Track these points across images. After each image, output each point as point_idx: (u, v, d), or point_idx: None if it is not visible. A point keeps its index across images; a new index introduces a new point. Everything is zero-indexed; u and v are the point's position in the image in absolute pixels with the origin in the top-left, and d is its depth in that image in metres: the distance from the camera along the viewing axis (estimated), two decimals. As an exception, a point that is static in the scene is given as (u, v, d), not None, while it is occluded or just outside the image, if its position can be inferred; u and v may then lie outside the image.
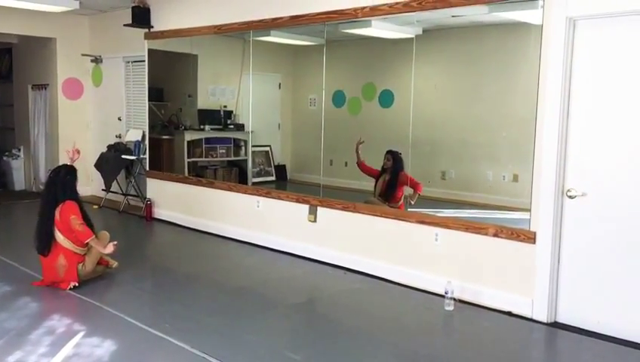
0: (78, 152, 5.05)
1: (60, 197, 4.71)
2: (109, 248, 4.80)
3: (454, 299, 4.46)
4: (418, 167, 5.41)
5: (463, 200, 5.68)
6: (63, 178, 4.78)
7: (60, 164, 5.04)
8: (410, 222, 5.00)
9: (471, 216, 5.00)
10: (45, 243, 4.70)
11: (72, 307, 4.43)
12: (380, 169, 5.89)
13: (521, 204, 4.47)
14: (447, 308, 4.42)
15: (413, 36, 5.21)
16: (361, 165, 6.04)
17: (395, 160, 5.78)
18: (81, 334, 3.81)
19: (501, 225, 4.47)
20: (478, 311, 4.45)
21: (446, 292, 4.44)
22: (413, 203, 5.38)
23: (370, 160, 6.12)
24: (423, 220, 4.92)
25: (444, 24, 5.52)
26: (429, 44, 5.51)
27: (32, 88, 9.33)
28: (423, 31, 5.30)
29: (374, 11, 5.11)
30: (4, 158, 9.73)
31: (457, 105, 6.01)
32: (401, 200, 5.58)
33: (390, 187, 5.75)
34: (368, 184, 6.09)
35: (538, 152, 4.23)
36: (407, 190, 5.44)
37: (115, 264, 5.12)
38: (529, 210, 4.30)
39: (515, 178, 5.40)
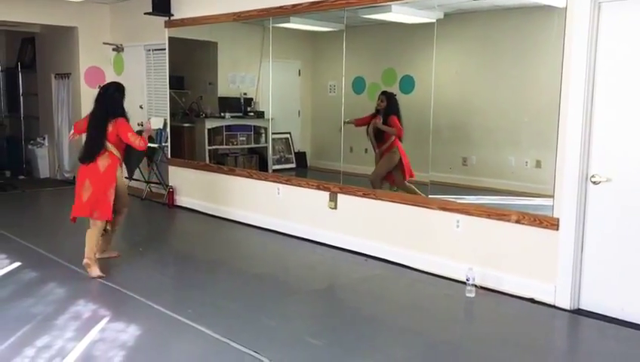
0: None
1: (110, 112, 4.87)
2: (148, 129, 5.08)
3: (476, 286, 4.44)
4: (439, 152, 5.37)
5: (484, 187, 5.62)
6: (112, 94, 4.95)
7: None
8: (431, 208, 4.97)
9: (493, 202, 4.95)
10: (94, 153, 4.84)
11: (97, 292, 4.51)
12: (370, 115, 5.95)
13: (543, 190, 4.42)
14: (468, 295, 4.41)
15: (434, 21, 5.14)
16: (355, 122, 6.00)
17: (389, 102, 5.82)
18: (106, 319, 3.88)
19: (523, 211, 4.42)
20: (500, 298, 4.43)
21: (467, 279, 4.42)
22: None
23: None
24: (444, 206, 4.89)
25: (466, 8, 5.44)
26: (450, 29, 5.44)
27: (55, 77, 9.44)
28: (444, 15, 5.23)
29: (394, -4, 5.05)
30: (29, 147, 9.89)
31: (479, 90, 5.94)
32: (390, 142, 5.77)
33: (380, 130, 5.86)
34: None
35: (561, 137, 4.17)
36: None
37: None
38: (552, 196, 4.25)
39: (538, 164, 5.33)
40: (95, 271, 4.77)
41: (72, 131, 5.26)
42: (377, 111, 5.92)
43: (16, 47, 10.46)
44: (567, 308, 4.18)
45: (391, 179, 5.90)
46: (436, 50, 5.08)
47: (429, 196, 5.07)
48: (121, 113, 4.93)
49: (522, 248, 4.43)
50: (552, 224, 4.23)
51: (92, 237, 4.85)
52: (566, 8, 4.09)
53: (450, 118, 5.75)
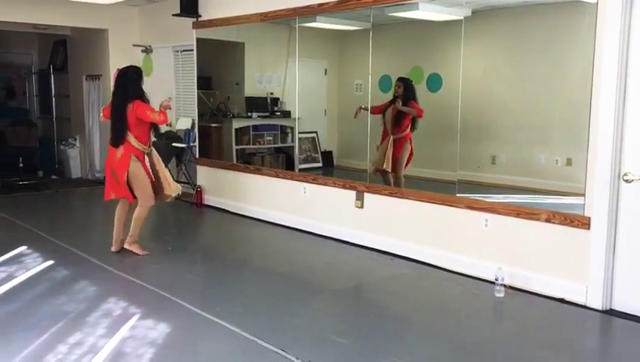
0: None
1: (129, 94, 5.07)
2: (165, 105, 5.14)
3: (505, 286, 4.39)
4: (467, 151, 5.32)
5: (513, 185, 5.55)
6: (131, 77, 5.15)
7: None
8: (458, 207, 4.93)
9: (522, 201, 4.88)
10: (120, 136, 5.11)
11: (128, 290, 4.58)
12: (387, 102, 5.98)
13: (574, 189, 4.34)
14: (497, 295, 4.36)
15: (461, 18, 5.09)
16: (372, 110, 6.00)
17: (406, 87, 5.87)
18: (136, 317, 3.94)
19: (554, 210, 4.35)
20: (530, 298, 4.37)
21: (496, 279, 4.37)
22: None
23: (417, 146, 6.06)
24: (472, 205, 4.84)
25: (495, 4, 5.37)
26: (478, 26, 5.38)
27: (86, 79, 9.62)
28: (472, 12, 5.18)
29: (421, -7, 5.02)
30: (61, 147, 10.10)
31: (508, 87, 5.86)
32: (408, 130, 5.80)
33: (399, 115, 5.88)
34: (416, 170, 6.03)
35: (593, 135, 4.10)
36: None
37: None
38: (583, 195, 4.17)
39: (569, 162, 5.24)
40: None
41: (102, 115, 5.54)
42: (395, 98, 5.96)
43: (49, 49, 10.69)
44: (599, 308, 4.10)
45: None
46: (464, 48, 5.03)
47: (457, 195, 5.02)
48: (139, 95, 5.12)
49: (552, 247, 4.36)
50: (584, 223, 4.15)
51: (138, 219, 5.29)
52: (597, 3, 4.01)
53: (478, 116, 5.68)
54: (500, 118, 5.89)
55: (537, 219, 4.40)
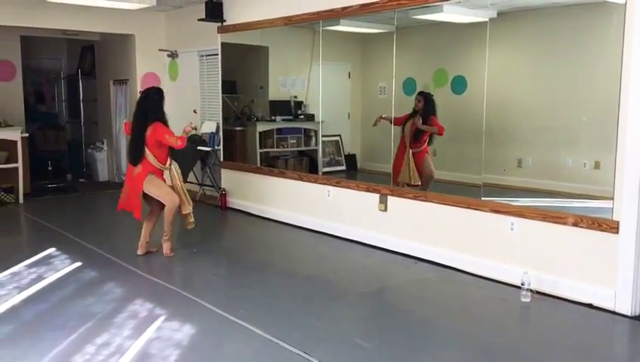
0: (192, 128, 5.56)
1: (149, 117, 5.16)
2: (187, 131, 5.33)
3: (531, 290, 4.33)
4: (493, 154, 5.27)
5: (540, 189, 5.48)
6: (153, 98, 5.25)
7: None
8: (484, 211, 4.88)
9: (549, 204, 4.82)
10: (138, 155, 5.23)
11: (154, 292, 4.64)
12: (409, 113, 5.98)
13: (603, 192, 4.27)
14: (523, 300, 4.30)
15: (486, 19, 5.05)
16: (395, 121, 5.96)
17: (426, 101, 5.87)
18: (162, 318, 3.98)
19: (581, 214, 4.28)
20: (557, 303, 4.30)
21: (522, 283, 4.32)
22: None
23: (441, 150, 6.02)
24: (497, 209, 4.79)
25: (520, 6, 5.32)
26: (503, 28, 5.33)
27: (113, 83, 9.77)
28: (498, 14, 5.13)
29: (446, -4, 4.99)
30: (89, 151, 10.27)
31: (534, 89, 5.80)
32: (425, 144, 5.85)
33: (419, 130, 5.91)
34: (441, 173, 6.00)
35: (622, 137, 4.02)
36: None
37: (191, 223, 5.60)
38: (612, 199, 4.10)
39: (597, 165, 5.16)
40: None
41: (123, 129, 5.67)
42: (415, 112, 5.93)
43: (77, 54, 10.89)
44: (628, 314, 4.02)
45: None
46: (489, 50, 4.98)
47: (482, 198, 4.98)
48: (159, 117, 5.20)
49: (580, 252, 4.29)
50: (612, 227, 4.08)
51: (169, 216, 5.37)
52: (626, 3, 3.94)
53: (504, 118, 5.63)
54: (526, 121, 5.83)
55: (564, 223, 4.34)
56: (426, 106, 5.90)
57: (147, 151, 5.21)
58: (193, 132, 5.41)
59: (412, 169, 5.95)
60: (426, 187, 5.87)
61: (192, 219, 5.56)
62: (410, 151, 5.96)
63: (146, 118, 5.19)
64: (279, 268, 5.30)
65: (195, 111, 8.77)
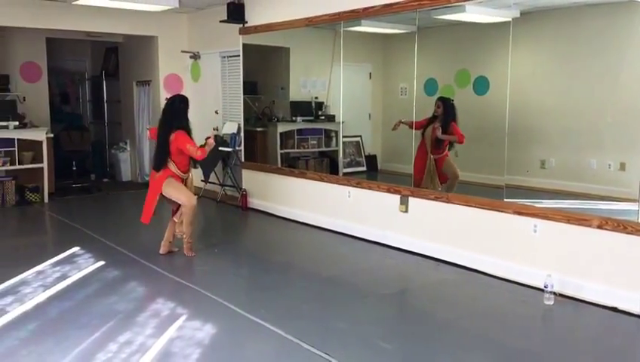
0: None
1: (174, 124, 5.22)
2: (209, 144, 5.35)
3: (554, 293, 4.27)
4: (516, 155, 5.21)
5: (563, 190, 5.41)
6: (178, 106, 5.31)
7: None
8: (506, 212, 4.83)
9: (573, 206, 4.76)
10: (162, 162, 5.30)
11: (175, 291, 4.67)
12: (428, 118, 5.95)
13: (628, 194, 4.21)
14: (546, 303, 4.25)
15: (510, 19, 5.00)
16: (415, 125, 5.94)
17: (445, 107, 5.82)
18: (183, 317, 4.02)
19: (606, 216, 4.22)
20: (581, 307, 4.24)
21: (545, 286, 4.26)
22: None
23: (464, 151, 5.98)
24: (520, 211, 4.73)
25: (544, 5, 5.26)
26: (527, 27, 5.27)
27: (136, 84, 9.88)
28: (521, 13, 5.08)
29: (468, -5, 4.96)
30: (112, 151, 10.40)
31: (558, 90, 5.72)
32: (446, 149, 5.82)
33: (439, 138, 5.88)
34: (463, 174, 5.96)
35: (648, 139, 3.95)
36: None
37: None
38: (638, 201, 4.03)
39: (622, 166, 5.07)
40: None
41: (148, 134, 5.67)
42: (434, 117, 5.90)
43: (101, 56, 11.03)
44: (655, 318, 3.95)
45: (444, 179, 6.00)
46: (512, 50, 4.93)
47: (505, 200, 4.93)
48: (183, 125, 5.25)
49: (604, 255, 4.22)
50: (638, 230, 4.01)
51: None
52: (653, 2, 3.88)
53: (527, 119, 5.57)
54: (550, 121, 5.76)
55: (589, 226, 4.27)
56: (446, 112, 5.85)
57: (169, 159, 5.29)
58: (213, 145, 5.44)
59: (434, 174, 5.91)
60: (451, 188, 5.81)
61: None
62: (432, 157, 5.92)
63: (170, 126, 5.25)
64: (300, 269, 5.31)
65: (216, 112, 8.83)
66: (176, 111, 5.29)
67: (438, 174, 5.93)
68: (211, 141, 5.40)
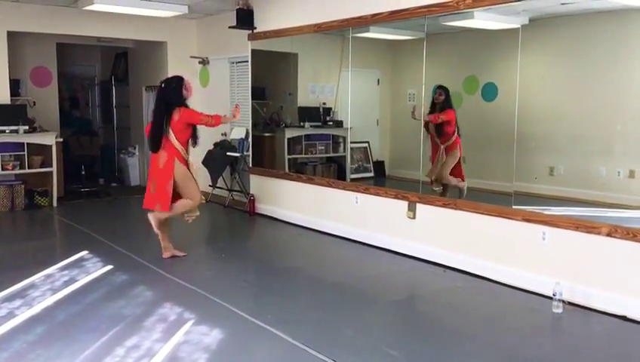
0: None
1: (173, 102, 5.25)
2: (237, 115, 5.62)
3: (563, 301, 4.25)
4: (524, 162, 5.20)
5: (572, 198, 5.39)
6: (176, 85, 5.34)
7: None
8: (515, 219, 4.81)
9: (582, 214, 4.73)
10: (157, 142, 5.29)
11: (183, 296, 4.68)
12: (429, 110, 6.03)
13: (638, 202, 4.18)
14: (555, 311, 4.22)
15: (518, 26, 4.99)
16: (432, 119, 5.98)
17: (447, 95, 5.93)
18: (190, 322, 4.02)
19: (615, 224, 4.19)
20: (590, 315, 4.21)
21: (554, 294, 4.24)
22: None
23: (472, 157, 5.97)
24: (528, 218, 4.71)
25: (553, 12, 5.25)
26: (536, 34, 5.27)
27: (145, 90, 9.93)
28: (530, 20, 5.07)
29: (477, 2, 4.96)
30: (121, 156, 10.44)
31: (567, 97, 5.71)
32: (454, 135, 5.90)
33: (440, 123, 5.94)
34: (471, 181, 5.94)
35: (658, 146, 3.93)
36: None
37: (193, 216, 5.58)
38: (647, 209, 4.00)
39: (632, 174, 5.04)
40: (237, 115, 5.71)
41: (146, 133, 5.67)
42: (434, 105, 5.96)
43: (111, 61, 11.11)
44: (665, 328, 3.91)
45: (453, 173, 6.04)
46: (521, 56, 4.92)
47: (513, 207, 4.91)
48: (182, 103, 5.29)
49: (614, 263, 4.19)
50: (648, 238, 3.98)
51: (163, 222, 5.44)
52: (663, 9, 3.86)
53: (536, 126, 5.56)
54: (559, 128, 5.74)
55: (598, 233, 4.25)
56: (446, 100, 5.97)
57: (173, 137, 5.25)
58: (234, 120, 5.53)
59: (443, 165, 5.97)
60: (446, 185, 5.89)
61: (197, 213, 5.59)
62: (442, 147, 6.00)
63: (167, 104, 5.26)
64: (307, 275, 5.31)
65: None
66: (175, 90, 5.30)
67: (450, 164, 5.98)
68: (237, 112, 5.48)
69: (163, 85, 5.42)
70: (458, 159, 6.05)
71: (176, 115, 5.23)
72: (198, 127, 5.43)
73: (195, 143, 5.46)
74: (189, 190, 5.36)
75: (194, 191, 5.38)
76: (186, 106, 5.32)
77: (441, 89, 6.01)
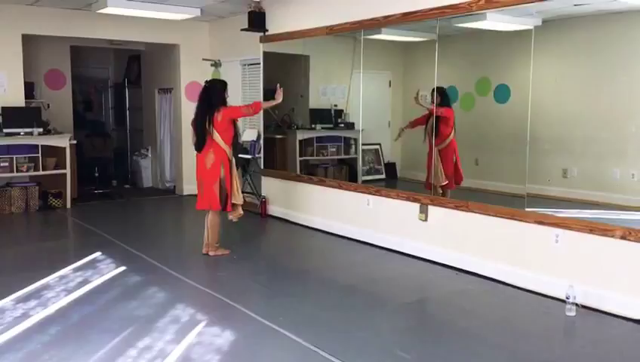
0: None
1: (215, 103, 5.48)
2: (279, 97, 5.75)
3: (576, 304, 4.21)
4: (537, 164, 5.16)
5: (586, 200, 5.35)
6: (215, 88, 5.62)
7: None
8: (527, 222, 4.78)
9: (595, 216, 4.69)
10: (202, 141, 5.52)
11: (195, 297, 4.71)
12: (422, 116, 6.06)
13: (653, 205, 4.14)
14: (568, 314, 4.19)
15: (531, 27, 4.97)
16: (414, 123, 6.11)
17: (443, 96, 5.87)
18: (203, 324, 4.04)
19: (630, 226, 4.15)
20: (603, 318, 4.18)
21: (567, 297, 4.21)
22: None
23: (484, 159, 5.93)
24: (541, 220, 4.68)
25: (566, 14, 5.22)
26: (549, 36, 5.23)
27: (158, 92, 10.00)
28: (543, 22, 5.04)
29: (490, 4, 4.94)
30: (134, 158, 10.51)
31: (580, 99, 5.67)
32: (450, 137, 5.81)
33: (436, 123, 5.86)
34: (483, 182, 5.91)
35: (673, 148, 3.89)
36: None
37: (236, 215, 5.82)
38: (662, 211, 3.96)
39: (646, 176, 4.99)
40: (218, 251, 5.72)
41: (192, 136, 5.71)
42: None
43: (124, 64, 11.19)
44: (681, 332, 3.87)
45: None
46: (534, 58, 4.89)
47: (526, 209, 4.88)
48: (224, 103, 5.53)
49: (628, 266, 4.15)
50: (663, 241, 3.94)
51: (214, 227, 5.68)
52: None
53: (549, 127, 5.53)
54: (572, 130, 5.70)
55: (612, 236, 4.21)
56: (443, 100, 5.93)
57: (218, 137, 5.46)
58: (277, 102, 5.78)
59: (440, 169, 5.92)
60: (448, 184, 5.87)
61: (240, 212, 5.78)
62: (436, 149, 5.92)
63: (210, 105, 5.46)
64: (319, 277, 5.31)
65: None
66: (219, 91, 5.56)
67: (444, 167, 5.93)
68: (279, 94, 5.68)
69: (207, 85, 5.64)
70: (454, 163, 6.04)
71: (219, 116, 5.44)
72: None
73: (237, 140, 5.70)
74: (232, 189, 5.58)
75: (239, 193, 5.65)
76: (226, 106, 5.54)
77: (438, 91, 5.94)
